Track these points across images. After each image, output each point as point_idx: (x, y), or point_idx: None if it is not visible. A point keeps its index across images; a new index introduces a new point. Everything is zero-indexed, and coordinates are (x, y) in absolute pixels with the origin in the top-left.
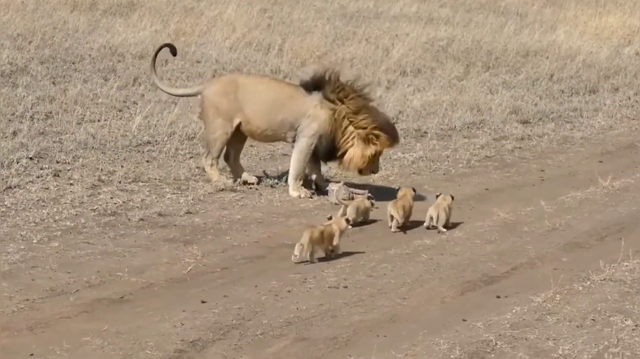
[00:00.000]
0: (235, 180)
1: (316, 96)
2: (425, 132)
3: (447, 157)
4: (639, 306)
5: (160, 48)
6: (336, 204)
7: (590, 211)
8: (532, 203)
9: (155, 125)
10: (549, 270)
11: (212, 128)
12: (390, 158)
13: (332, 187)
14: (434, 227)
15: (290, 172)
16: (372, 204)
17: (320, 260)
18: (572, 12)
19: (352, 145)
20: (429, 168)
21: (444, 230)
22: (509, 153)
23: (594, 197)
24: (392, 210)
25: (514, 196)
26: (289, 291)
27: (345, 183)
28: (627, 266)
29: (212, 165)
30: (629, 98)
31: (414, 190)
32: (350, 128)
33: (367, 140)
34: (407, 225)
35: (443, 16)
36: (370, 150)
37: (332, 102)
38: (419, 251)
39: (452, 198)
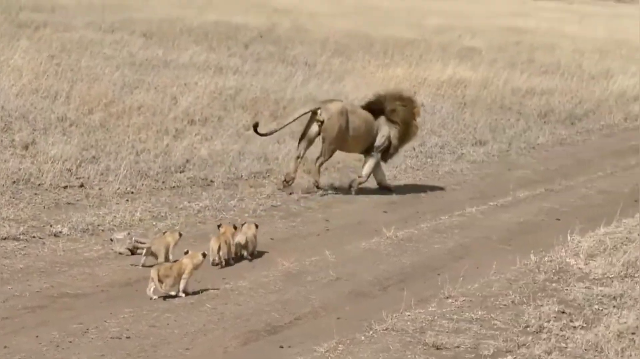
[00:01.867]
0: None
1: (382, 119)
2: (212, 181)
3: (234, 206)
4: (420, 356)
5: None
6: (120, 253)
7: (374, 261)
8: (316, 252)
9: None
10: (333, 320)
11: (332, 141)
12: (177, 207)
13: (117, 236)
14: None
15: (364, 172)
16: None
17: (103, 310)
18: (360, 63)
19: (410, 131)
20: (215, 218)
21: (249, 257)
22: (294, 202)
23: (377, 247)
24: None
25: (299, 245)
26: (71, 342)
27: (129, 232)
28: (409, 315)
29: (321, 166)
30: (414, 149)
31: (256, 226)
32: (407, 127)
33: (413, 118)
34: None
35: (232, 65)
36: (416, 122)
37: (391, 119)
38: (202, 301)
39: (257, 226)
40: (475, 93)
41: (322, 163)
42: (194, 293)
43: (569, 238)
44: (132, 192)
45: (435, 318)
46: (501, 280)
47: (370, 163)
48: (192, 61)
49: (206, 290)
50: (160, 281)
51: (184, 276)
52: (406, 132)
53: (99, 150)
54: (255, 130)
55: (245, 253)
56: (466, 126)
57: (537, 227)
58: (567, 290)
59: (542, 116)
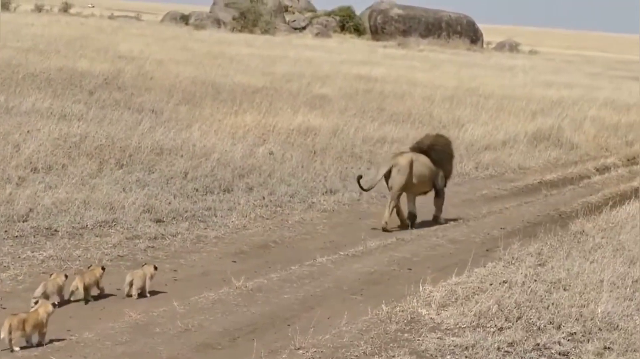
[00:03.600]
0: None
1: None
2: (56, 231)
3: (79, 256)
4: None
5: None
6: None
7: (222, 311)
8: (164, 303)
9: None
10: None
11: (399, 187)
12: (20, 257)
13: None
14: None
15: (437, 211)
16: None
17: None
18: (208, 110)
19: (453, 163)
20: (59, 268)
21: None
22: (141, 252)
23: (226, 298)
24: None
25: (147, 297)
26: None
27: None
28: None
29: (392, 208)
30: (264, 197)
31: (155, 267)
32: (451, 161)
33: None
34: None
35: (76, 112)
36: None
37: (441, 162)
38: (47, 353)
39: (156, 268)
40: (326, 141)
41: (393, 204)
42: (38, 345)
43: (420, 288)
44: None
45: None
46: (352, 331)
47: (440, 202)
48: (35, 108)
49: (50, 342)
50: (9, 333)
51: (44, 330)
52: (451, 166)
53: None
54: (359, 182)
55: (132, 292)
56: (316, 174)
57: (388, 277)
58: (419, 340)
59: None
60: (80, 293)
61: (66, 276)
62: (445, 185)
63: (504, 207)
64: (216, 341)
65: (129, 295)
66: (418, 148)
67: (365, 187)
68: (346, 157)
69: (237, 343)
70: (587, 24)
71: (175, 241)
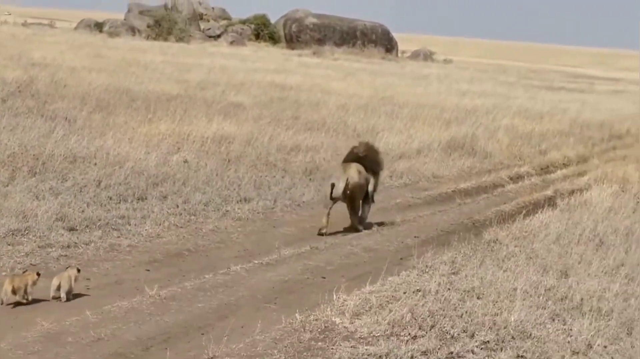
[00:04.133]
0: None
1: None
2: None
3: None
4: None
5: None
6: None
7: (135, 321)
8: (77, 312)
9: None
10: None
11: (359, 198)
12: None
13: None
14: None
15: (362, 215)
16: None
17: None
18: (122, 118)
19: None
20: None
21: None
22: (54, 261)
23: (140, 307)
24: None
25: (59, 305)
26: None
27: None
28: None
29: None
30: (177, 206)
31: (78, 270)
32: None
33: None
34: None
35: None
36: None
37: (374, 169)
38: None
39: (79, 270)
40: (240, 149)
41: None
42: None
43: (334, 296)
44: None
45: None
46: (266, 340)
47: (368, 208)
48: None
49: None
50: None
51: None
52: (379, 174)
53: None
54: (331, 191)
55: (61, 294)
56: (231, 183)
57: (302, 286)
58: (332, 349)
59: (308, 173)
60: (9, 296)
61: (39, 274)
62: (373, 200)
63: (418, 216)
64: (129, 351)
65: (56, 298)
66: (353, 157)
67: (333, 196)
68: (260, 165)
69: (150, 352)
70: (501, 34)
71: (88, 249)
